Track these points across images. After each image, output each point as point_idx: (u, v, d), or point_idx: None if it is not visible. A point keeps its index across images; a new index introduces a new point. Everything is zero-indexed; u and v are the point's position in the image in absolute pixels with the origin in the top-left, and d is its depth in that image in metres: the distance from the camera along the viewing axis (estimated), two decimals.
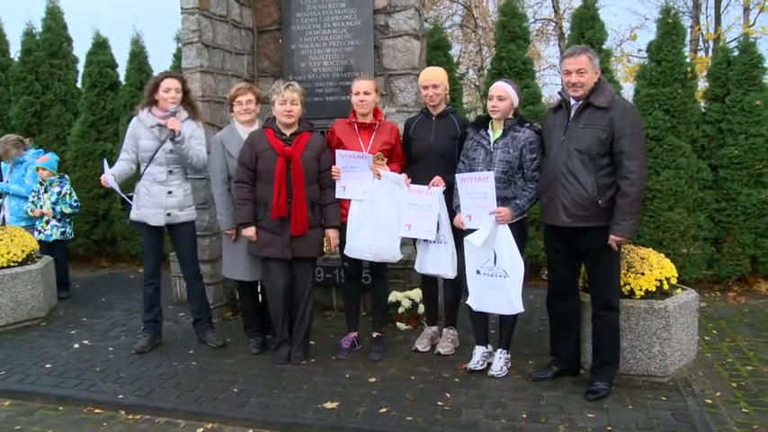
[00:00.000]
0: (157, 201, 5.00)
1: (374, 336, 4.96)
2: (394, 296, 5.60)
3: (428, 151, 4.73)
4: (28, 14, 9.51)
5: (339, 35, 6.41)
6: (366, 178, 4.62)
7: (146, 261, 5.22)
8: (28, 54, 9.18)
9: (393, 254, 4.67)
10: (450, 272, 4.63)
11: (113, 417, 4.18)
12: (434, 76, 4.77)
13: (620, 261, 4.21)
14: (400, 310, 5.61)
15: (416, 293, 5.61)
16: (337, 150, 4.65)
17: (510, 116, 4.36)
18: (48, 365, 4.92)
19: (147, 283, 5.20)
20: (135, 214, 5.07)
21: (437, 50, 7.71)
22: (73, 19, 9.45)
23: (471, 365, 4.52)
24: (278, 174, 4.53)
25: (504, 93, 4.29)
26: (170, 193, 5.03)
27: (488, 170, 4.27)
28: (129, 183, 5.20)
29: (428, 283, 5.08)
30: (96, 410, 4.28)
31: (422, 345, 5.02)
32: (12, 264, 6.01)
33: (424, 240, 4.66)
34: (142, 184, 5.04)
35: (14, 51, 9.46)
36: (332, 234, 4.75)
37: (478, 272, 4.38)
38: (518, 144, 4.29)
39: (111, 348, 5.30)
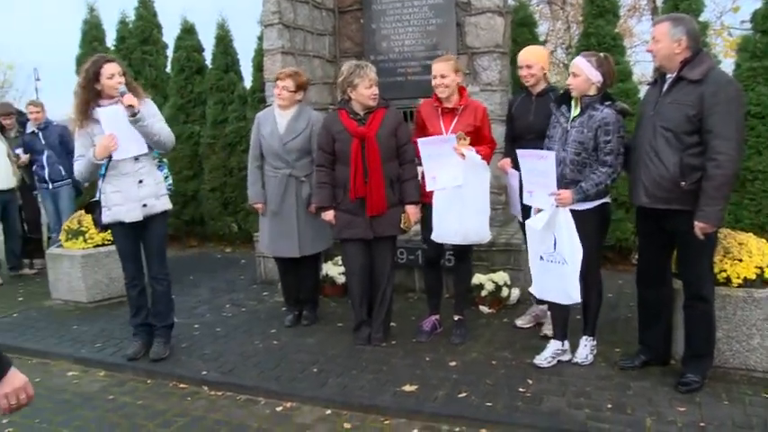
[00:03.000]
0: (129, 194, 4.52)
1: (455, 319, 4.88)
2: (477, 279, 5.49)
3: (528, 130, 4.59)
4: (122, 4, 9.84)
5: (420, 13, 6.31)
6: (454, 163, 4.38)
7: (125, 264, 4.75)
8: (122, 42, 9.53)
9: (482, 235, 4.53)
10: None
11: (197, 392, 4.29)
12: (527, 56, 4.59)
13: (713, 248, 3.90)
14: (483, 293, 5.49)
15: (500, 276, 5.49)
16: (418, 140, 4.52)
17: (590, 93, 4.04)
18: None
19: (131, 286, 4.76)
20: (107, 217, 4.55)
21: (522, 27, 7.45)
22: (163, 6, 9.72)
23: (537, 361, 4.28)
24: (353, 154, 4.49)
25: (578, 69, 4.01)
26: (141, 182, 4.55)
27: (563, 149, 4.06)
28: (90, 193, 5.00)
29: None
30: (181, 385, 4.40)
31: (523, 320, 4.99)
32: (106, 242, 6.25)
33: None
34: (108, 183, 4.54)
35: (110, 40, 9.81)
36: (411, 210, 4.66)
37: (542, 258, 4.15)
38: (593, 124, 3.97)
39: (196, 326, 5.45)
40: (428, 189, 4.51)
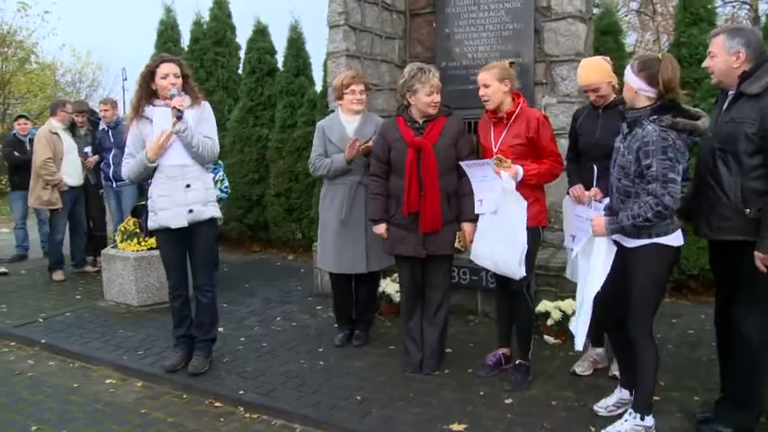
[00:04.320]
0: (175, 198, 4.29)
1: (515, 362, 4.33)
2: (543, 306, 5.03)
3: (594, 148, 4.06)
4: (198, 5, 9.85)
5: (496, 18, 5.91)
6: (497, 188, 3.94)
7: (169, 273, 4.57)
8: (195, 42, 9.52)
9: (512, 270, 3.93)
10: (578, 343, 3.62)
11: (232, 413, 4.03)
12: (589, 78, 4.02)
13: None
14: (549, 321, 5.01)
15: (569, 304, 4.99)
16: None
17: (639, 105, 3.35)
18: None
19: (174, 296, 4.56)
20: (153, 221, 4.36)
21: (606, 35, 6.94)
22: (238, 6, 9.66)
23: (597, 408, 3.78)
24: (408, 165, 4.15)
25: (624, 78, 3.41)
26: (188, 186, 4.31)
27: (612, 175, 3.48)
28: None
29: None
30: (217, 403, 4.15)
31: (582, 368, 4.37)
32: None
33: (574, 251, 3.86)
34: (154, 186, 4.35)
35: (186, 41, 9.81)
36: (467, 228, 4.25)
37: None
38: (634, 145, 3.29)
39: (242, 339, 5.21)
40: (475, 212, 4.13)
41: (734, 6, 17.68)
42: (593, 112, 4.16)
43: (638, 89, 3.31)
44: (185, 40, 9.76)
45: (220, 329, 5.30)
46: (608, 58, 4.12)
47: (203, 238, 4.45)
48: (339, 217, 4.72)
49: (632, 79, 3.33)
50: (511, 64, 4.12)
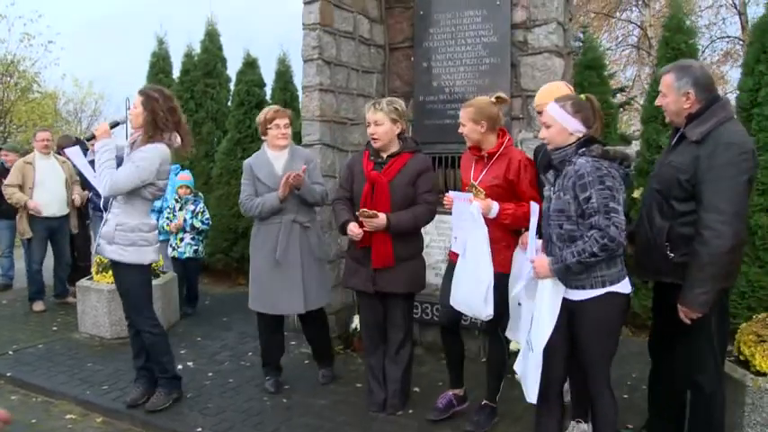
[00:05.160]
0: (98, 230, 4.40)
1: (482, 403, 4.19)
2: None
3: None
4: (189, 37, 9.92)
5: (473, 52, 5.89)
6: (469, 227, 3.78)
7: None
8: (186, 74, 9.56)
9: (479, 309, 3.69)
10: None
11: None
12: (542, 100, 3.74)
13: (715, 330, 3.27)
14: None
15: None
16: (450, 192, 3.99)
17: (568, 144, 3.16)
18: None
19: (128, 325, 4.56)
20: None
21: (590, 70, 6.95)
22: (229, 39, 9.71)
23: None
24: (362, 198, 4.11)
25: (549, 117, 3.20)
26: (106, 221, 4.31)
27: (548, 225, 3.21)
28: None
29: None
30: None
31: None
32: None
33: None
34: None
35: (176, 72, 9.87)
36: (376, 221, 4.03)
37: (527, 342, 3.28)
38: (568, 183, 3.07)
39: (210, 374, 5.13)
40: (451, 249, 4.01)
41: (729, 42, 17.75)
42: None
43: (573, 131, 3.14)
44: (177, 72, 9.83)
45: (189, 364, 5.27)
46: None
47: (118, 278, 4.40)
48: (272, 258, 4.53)
49: (568, 121, 3.14)
50: (498, 99, 3.96)
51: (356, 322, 5.59)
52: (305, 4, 5.58)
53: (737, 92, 6.27)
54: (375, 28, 6.23)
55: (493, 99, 3.97)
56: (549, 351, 3.13)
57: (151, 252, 4.33)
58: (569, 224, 3.09)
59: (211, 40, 9.54)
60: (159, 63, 9.79)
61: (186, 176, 7.22)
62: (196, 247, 7.04)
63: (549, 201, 3.22)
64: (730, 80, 18.49)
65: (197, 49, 9.63)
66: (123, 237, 4.20)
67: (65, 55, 33.03)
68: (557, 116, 3.16)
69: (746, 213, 3.26)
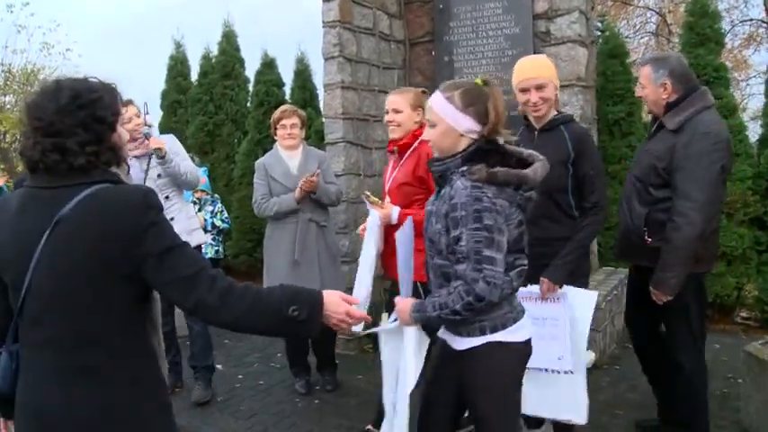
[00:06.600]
0: None
1: None
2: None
3: None
4: (206, 39, 9.92)
5: (495, 44, 5.83)
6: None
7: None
8: (204, 76, 9.55)
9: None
10: (582, 414, 3.09)
11: None
12: (535, 72, 3.25)
13: (693, 311, 3.36)
14: None
15: None
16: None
17: (458, 150, 2.38)
18: (176, 389, 4.77)
19: (163, 323, 4.61)
20: None
21: (613, 59, 6.84)
22: (246, 40, 9.71)
23: None
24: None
25: (434, 114, 2.42)
26: (172, 219, 4.23)
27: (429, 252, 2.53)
28: None
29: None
30: None
31: None
32: None
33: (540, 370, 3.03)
34: None
35: (194, 75, 9.89)
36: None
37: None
38: (442, 209, 2.34)
39: (240, 376, 5.13)
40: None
41: (752, 26, 17.43)
42: (528, 134, 3.39)
43: (465, 131, 2.35)
44: (195, 74, 9.84)
45: (219, 366, 5.24)
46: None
47: None
48: (289, 258, 4.44)
49: (457, 118, 2.34)
50: (423, 92, 3.55)
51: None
52: (324, 1, 5.56)
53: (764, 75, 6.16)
54: (395, 23, 6.18)
55: (420, 91, 3.59)
56: (425, 411, 2.56)
57: (201, 234, 4.77)
58: (440, 259, 2.38)
59: (228, 41, 9.52)
60: (177, 66, 9.81)
61: (203, 179, 7.21)
62: (217, 248, 7.06)
63: (427, 219, 2.49)
64: (753, 64, 18.16)
65: (214, 51, 9.63)
66: (195, 222, 4.69)
67: (83, 63, 33.31)
68: (441, 112, 2.37)
69: (721, 201, 3.36)
